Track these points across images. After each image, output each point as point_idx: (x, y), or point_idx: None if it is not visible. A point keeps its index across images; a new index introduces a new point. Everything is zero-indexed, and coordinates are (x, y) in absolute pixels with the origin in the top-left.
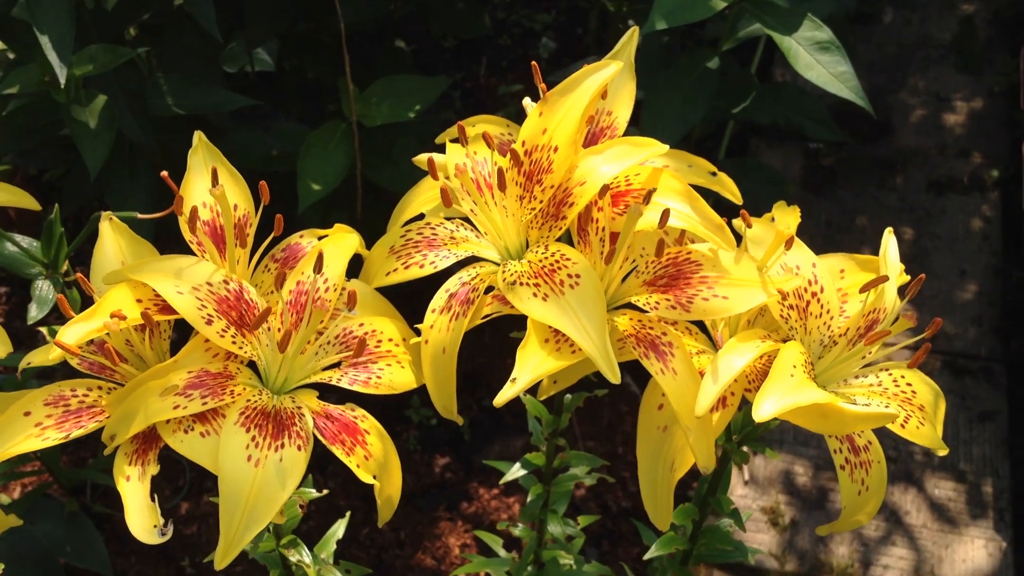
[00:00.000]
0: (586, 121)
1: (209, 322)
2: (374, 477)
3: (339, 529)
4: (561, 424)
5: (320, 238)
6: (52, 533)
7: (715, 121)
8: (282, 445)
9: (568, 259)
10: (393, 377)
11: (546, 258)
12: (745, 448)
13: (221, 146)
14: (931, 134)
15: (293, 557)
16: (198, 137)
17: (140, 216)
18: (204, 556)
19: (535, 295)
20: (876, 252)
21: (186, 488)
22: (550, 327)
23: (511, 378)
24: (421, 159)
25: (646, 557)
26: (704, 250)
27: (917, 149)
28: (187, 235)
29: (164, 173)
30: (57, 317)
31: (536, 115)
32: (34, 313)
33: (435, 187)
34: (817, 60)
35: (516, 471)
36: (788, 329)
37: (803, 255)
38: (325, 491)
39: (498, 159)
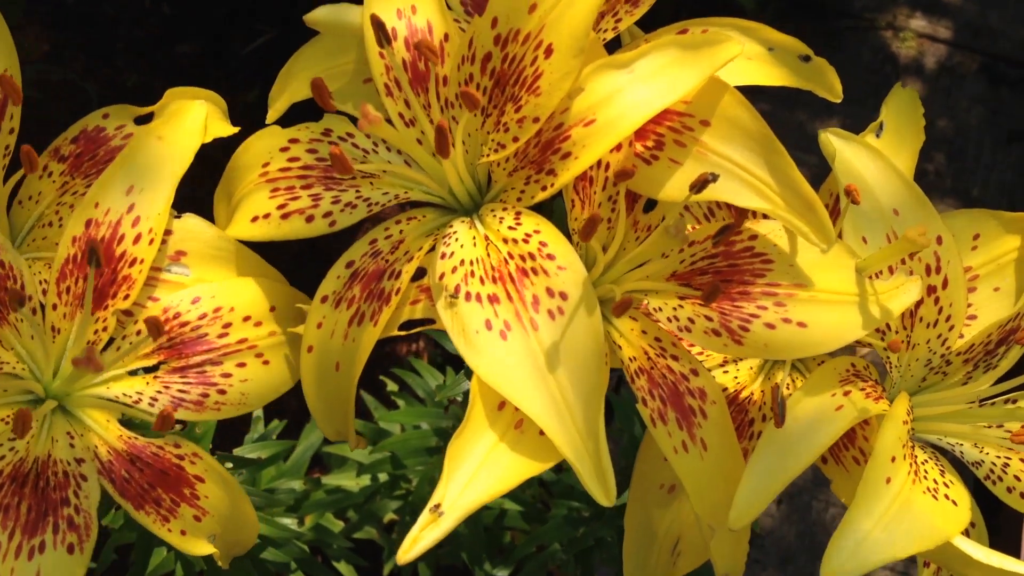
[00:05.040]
0: None
1: None
2: (212, 538)
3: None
4: None
5: (141, 119)
6: None
7: None
8: (41, 546)
9: (550, 254)
10: (248, 386)
11: (514, 238)
12: None
13: None
14: None
15: None
16: None
17: None
18: None
19: (489, 324)
20: None
21: None
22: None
23: (432, 503)
24: (320, 16)
25: None
26: (776, 235)
27: None
28: None
29: None
30: None
31: None
32: None
33: (347, 49)
34: None
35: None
36: (882, 349)
37: (926, 220)
38: None
39: (449, 27)
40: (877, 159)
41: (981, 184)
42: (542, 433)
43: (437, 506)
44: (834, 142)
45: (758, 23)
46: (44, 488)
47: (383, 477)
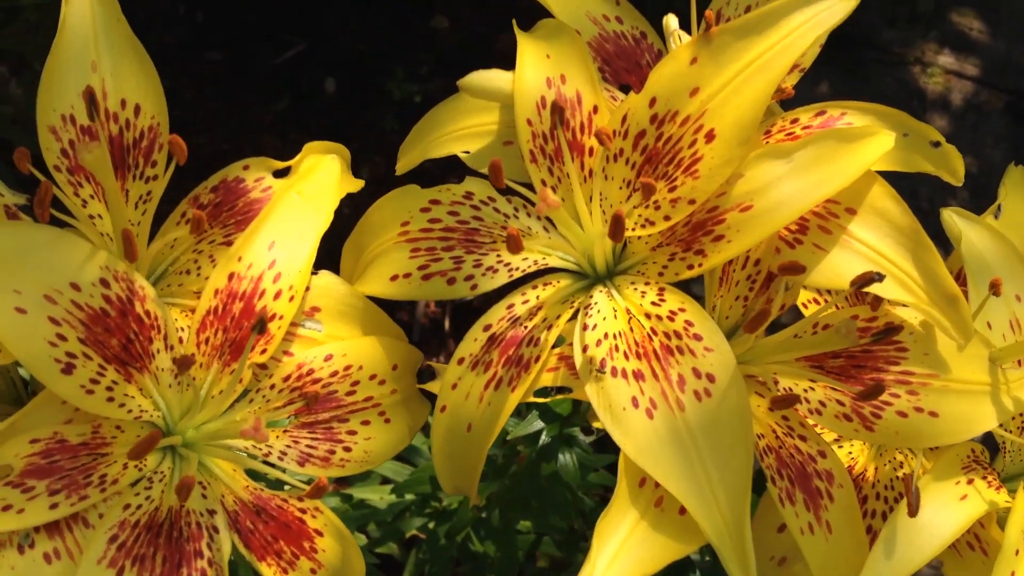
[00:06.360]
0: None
1: (69, 369)
2: None
3: None
4: None
5: (279, 172)
6: None
7: None
8: None
9: (697, 334)
10: (371, 444)
11: (658, 314)
12: None
13: None
14: None
15: None
16: None
17: None
18: None
19: (635, 402)
20: None
21: None
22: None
23: None
24: (473, 81)
25: None
26: (913, 322)
27: None
28: (49, 160)
29: None
30: None
31: (685, 59)
32: None
33: (489, 109)
34: None
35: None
36: (1002, 433)
37: None
38: None
39: (598, 99)
40: (1000, 243)
41: None
42: (683, 511)
43: None
44: (959, 223)
45: (895, 109)
46: (178, 539)
47: (410, 496)
